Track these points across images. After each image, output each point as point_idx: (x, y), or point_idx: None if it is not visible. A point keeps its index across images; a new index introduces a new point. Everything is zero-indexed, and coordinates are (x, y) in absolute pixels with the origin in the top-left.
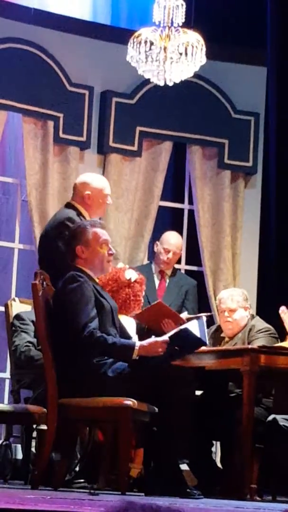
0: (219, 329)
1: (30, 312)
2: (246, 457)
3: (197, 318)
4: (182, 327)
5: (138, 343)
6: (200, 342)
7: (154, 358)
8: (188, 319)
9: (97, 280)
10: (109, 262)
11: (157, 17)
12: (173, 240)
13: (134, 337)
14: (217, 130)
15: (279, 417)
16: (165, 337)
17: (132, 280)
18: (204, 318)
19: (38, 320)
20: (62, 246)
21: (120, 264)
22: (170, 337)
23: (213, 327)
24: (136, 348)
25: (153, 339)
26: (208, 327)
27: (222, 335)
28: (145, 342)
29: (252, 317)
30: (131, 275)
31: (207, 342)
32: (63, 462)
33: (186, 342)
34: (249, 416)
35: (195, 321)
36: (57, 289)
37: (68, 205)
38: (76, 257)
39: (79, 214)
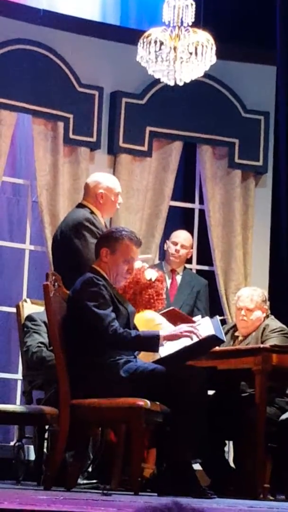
0: (234, 327)
1: (41, 313)
2: (259, 456)
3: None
4: (208, 333)
5: (161, 331)
6: (219, 340)
7: (170, 358)
8: None
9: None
10: (124, 279)
11: (166, 17)
12: (181, 234)
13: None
14: (227, 130)
15: None
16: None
17: (153, 279)
18: (218, 317)
19: (50, 321)
20: (80, 246)
21: (138, 263)
22: (194, 344)
23: (228, 326)
24: (162, 335)
25: (176, 327)
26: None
27: (236, 334)
28: (169, 328)
29: (267, 316)
30: (151, 274)
31: (225, 339)
32: (76, 462)
33: (207, 346)
34: (261, 415)
35: (208, 320)
36: (74, 290)
37: (81, 205)
38: (98, 256)
39: (92, 213)
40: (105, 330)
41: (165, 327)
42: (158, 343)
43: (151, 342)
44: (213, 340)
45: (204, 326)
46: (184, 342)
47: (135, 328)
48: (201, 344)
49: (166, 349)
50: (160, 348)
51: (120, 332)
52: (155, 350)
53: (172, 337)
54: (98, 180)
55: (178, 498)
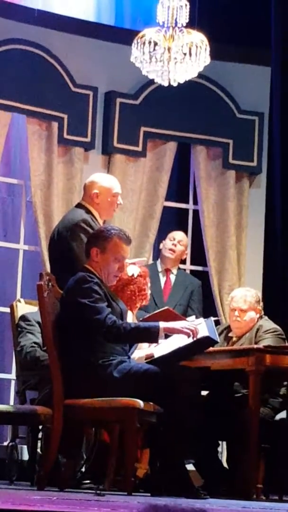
0: (228, 328)
1: (35, 313)
2: (252, 457)
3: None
4: (202, 334)
5: (161, 322)
6: (213, 341)
7: (164, 359)
8: None
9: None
10: (115, 277)
11: (161, 18)
12: (179, 233)
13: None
14: (222, 130)
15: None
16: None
17: (135, 275)
18: (212, 318)
19: (44, 321)
20: (75, 247)
21: None
22: (188, 345)
23: (222, 326)
24: (161, 326)
25: (177, 322)
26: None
27: (230, 334)
28: (170, 323)
29: (261, 317)
30: (133, 271)
31: (218, 340)
32: (69, 463)
33: (201, 347)
34: (255, 416)
35: (202, 323)
36: (67, 289)
37: (79, 205)
38: (89, 256)
39: (89, 212)
40: (104, 322)
41: None
42: (158, 334)
43: (151, 333)
44: (207, 341)
45: (198, 328)
46: (178, 343)
47: None
48: (195, 345)
49: (160, 349)
50: (154, 349)
51: (119, 323)
52: (155, 341)
53: (171, 330)
54: (94, 180)
55: (171, 498)
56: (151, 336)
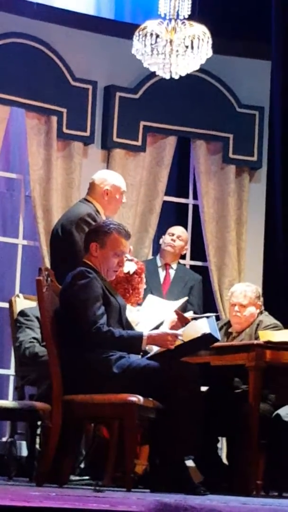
0: (228, 324)
1: (34, 308)
2: (252, 453)
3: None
4: (203, 331)
5: (146, 333)
6: (214, 339)
7: (164, 354)
8: (194, 319)
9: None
10: (115, 272)
11: (162, 10)
12: (178, 228)
13: (141, 324)
14: (222, 125)
15: (283, 413)
16: (177, 331)
17: (131, 273)
18: (213, 317)
19: (43, 316)
20: (79, 240)
21: None
22: (189, 341)
23: (222, 322)
24: (145, 338)
25: (163, 330)
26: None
27: (230, 330)
28: (154, 333)
29: (261, 312)
30: (129, 268)
31: (220, 338)
32: (68, 459)
33: (202, 344)
34: (254, 411)
35: (204, 320)
36: (65, 284)
37: (84, 201)
38: (88, 251)
39: (95, 210)
40: (89, 327)
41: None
42: (141, 345)
43: (134, 344)
44: (208, 338)
45: (200, 324)
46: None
47: (127, 321)
48: (196, 343)
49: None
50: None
51: (103, 332)
52: (138, 351)
53: (155, 343)
54: (105, 178)
55: (170, 494)
56: (134, 347)
